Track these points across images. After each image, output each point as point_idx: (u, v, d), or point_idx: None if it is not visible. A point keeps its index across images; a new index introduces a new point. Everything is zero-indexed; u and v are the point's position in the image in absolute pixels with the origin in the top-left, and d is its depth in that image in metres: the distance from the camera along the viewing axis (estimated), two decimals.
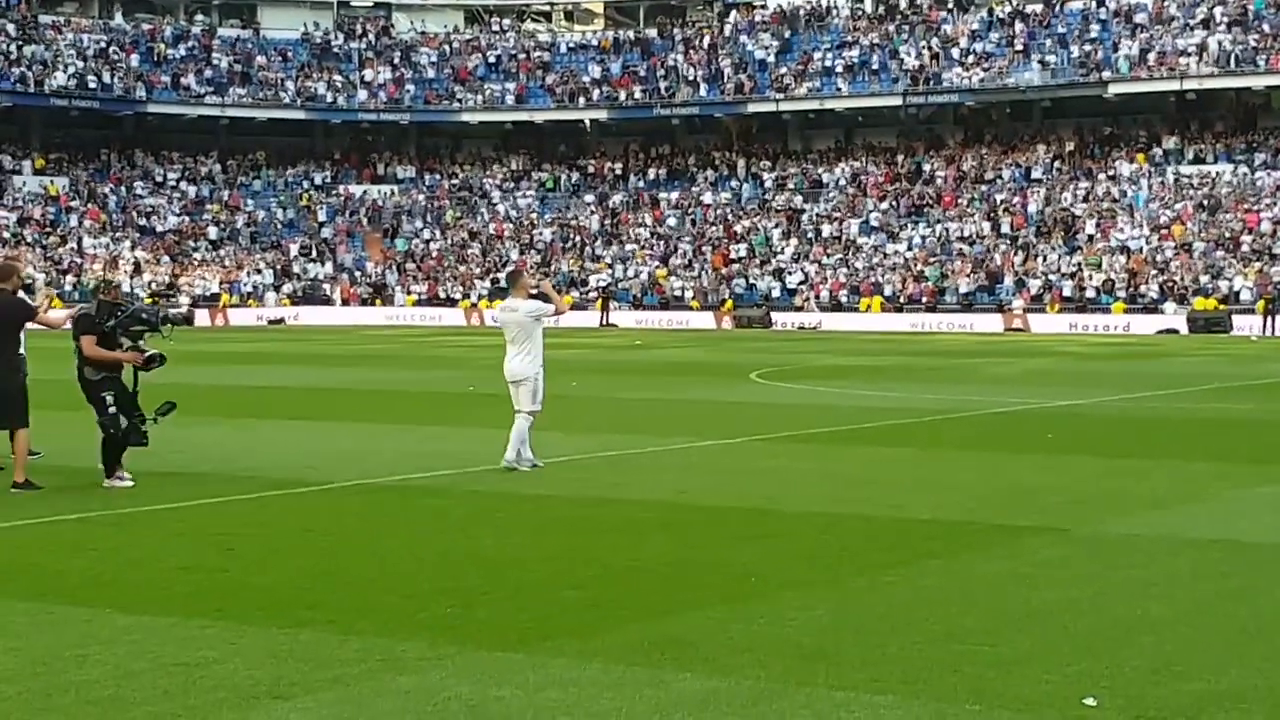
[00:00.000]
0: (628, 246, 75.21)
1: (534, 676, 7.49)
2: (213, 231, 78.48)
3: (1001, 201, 70.90)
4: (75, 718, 6.82)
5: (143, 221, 77.40)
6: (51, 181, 77.45)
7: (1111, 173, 71.03)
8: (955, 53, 75.64)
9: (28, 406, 14.31)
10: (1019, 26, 75.21)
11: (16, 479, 14.09)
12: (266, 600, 9.35)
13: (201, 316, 68.50)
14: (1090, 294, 63.29)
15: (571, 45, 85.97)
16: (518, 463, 15.62)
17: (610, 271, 72.71)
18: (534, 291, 16.59)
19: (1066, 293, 63.60)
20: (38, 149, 79.43)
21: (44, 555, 10.92)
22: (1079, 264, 64.99)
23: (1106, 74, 71.44)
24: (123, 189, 79.35)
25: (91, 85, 78.27)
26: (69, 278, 69.54)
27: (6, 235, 71.76)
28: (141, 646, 8.10)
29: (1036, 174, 72.43)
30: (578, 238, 77.01)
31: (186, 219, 78.98)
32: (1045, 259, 66.03)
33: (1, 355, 14.24)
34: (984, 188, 72.59)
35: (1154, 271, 63.11)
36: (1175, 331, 57.66)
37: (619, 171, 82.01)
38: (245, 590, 9.67)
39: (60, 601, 9.27)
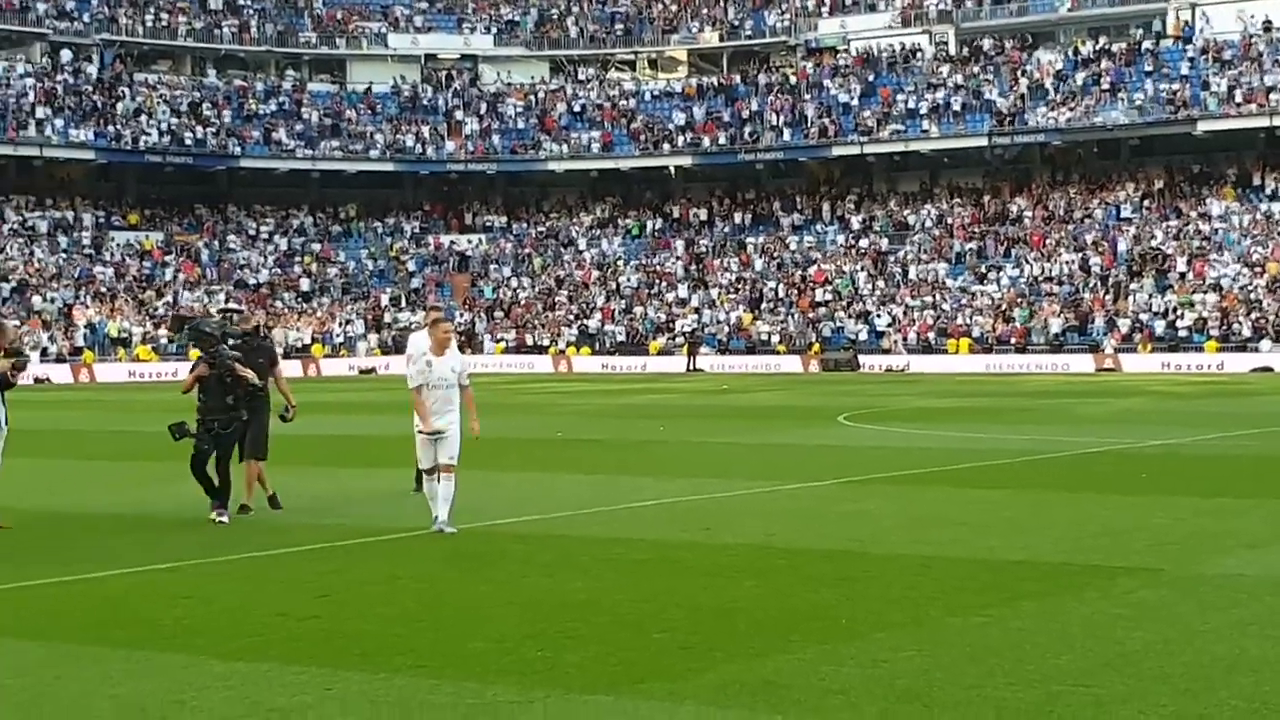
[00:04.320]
0: (713, 291, 75.27)
1: None
2: (305, 283, 79.37)
3: (1091, 241, 70.34)
4: None
5: (236, 274, 78.44)
6: (146, 236, 78.69)
7: (1202, 210, 70.29)
8: (1041, 92, 75.28)
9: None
10: (1105, 65, 74.73)
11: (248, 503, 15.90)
12: (360, 646, 9.42)
13: (294, 367, 69.24)
14: (1182, 333, 62.59)
15: (655, 93, 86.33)
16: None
17: (696, 317, 72.78)
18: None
19: (1158, 332, 62.93)
20: (133, 204, 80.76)
21: (139, 603, 11.05)
22: (1171, 303, 64.31)
23: (1195, 111, 70.81)
24: (216, 242, 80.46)
25: (185, 141, 79.52)
26: (162, 331, 70.47)
27: (103, 290, 72.90)
28: (238, 693, 8.19)
29: (1126, 212, 71.80)
30: (663, 283, 77.18)
31: (279, 271, 79.97)
32: (1136, 298, 65.39)
33: (258, 395, 15.85)
34: (1072, 227, 72.06)
35: (1246, 309, 62.31)
36: (1270, 370, 56.84)
37: (704, 217, 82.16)
38: (339, 637, 9.75)
39: (157, 649, 9.39)
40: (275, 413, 16.38)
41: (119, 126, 77.99)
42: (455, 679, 8.40)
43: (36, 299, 70.23)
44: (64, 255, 75.10)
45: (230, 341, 15.57)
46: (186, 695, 8.14)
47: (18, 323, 65.92)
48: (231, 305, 20.30)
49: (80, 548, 13.92)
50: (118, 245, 77.47)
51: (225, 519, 15.22)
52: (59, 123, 76.33)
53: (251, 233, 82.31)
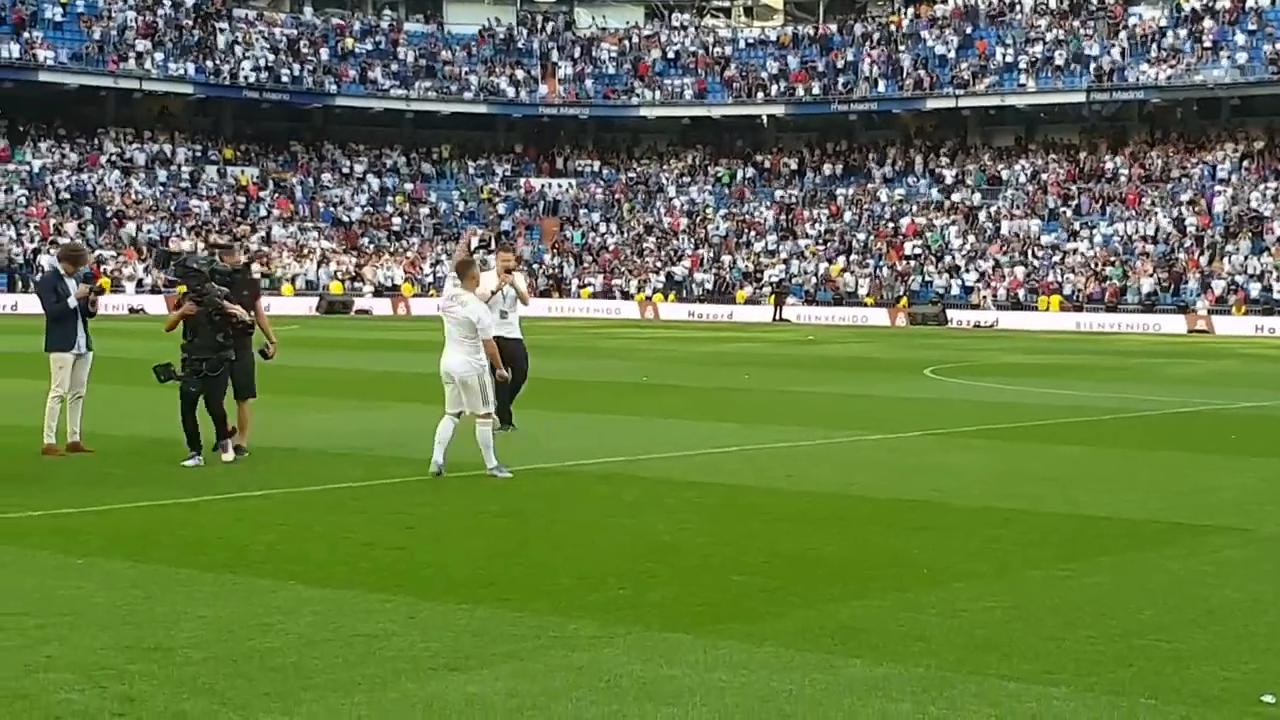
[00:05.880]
0: (802, 242, 74.96)
1: (704, 657, 7.56)
2: (396, 222, 79.84)
3: (1187, 200, 69.36)
4: (259, 683, 7.03)
5: (329, 212, 79.01)
6: (242, 171, 79.36)
7: None
8: (1141, 49, 74.16)
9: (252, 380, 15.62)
10: (1208, 23, 73.46)
11: (242, 444, 15.32)
12: (443, 577, 9.55)
13: (384, 306, 69.77)
14: (1277, 296, 61.68)
15: (750, 41, 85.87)
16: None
17: (784, 267, 72.53)
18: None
19: (1253, 294, 62.06)
20: (229, 139, 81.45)
21: (229, 529, 11.24)
22: (1266, 265, 63.34)
23: None
24: (310, 180, 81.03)
25: (282, 78, 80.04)
26: (257, 266, 71.14)
27: (198, 224, 73.64)
28: (323, 617, 8.33)
29: (1223, 173, 70.72)
30: (752, 232, 76.95)
31: (371, 209, 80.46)
32: (1231, 260, 64.48)
33: (247, 333, 15.33)
34: (1169, 186, 71.08)
35: None
36: None
37: (795, 167, 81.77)
38: (423, 567, 9.88)
39: (245, 573, 9.55)
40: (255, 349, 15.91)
41: (217, 61, 78.60)
42: (537, 612, 8.50)
43: (129, 229, 71.00)
44: (160, 188, 75.91)
45: (218, 278, 14.97)
46: (273, 619, 8.28)
47: (112, 252, 66.79)
48: (220, 241, 19.98)
49: (173, 474, 14.14)
50: (213, 180, 78.19)
51: (200, 462, 14.51)
52: (159, 56, 77.05)
53: (345, 171, 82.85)
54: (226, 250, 16.60)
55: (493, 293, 17.79)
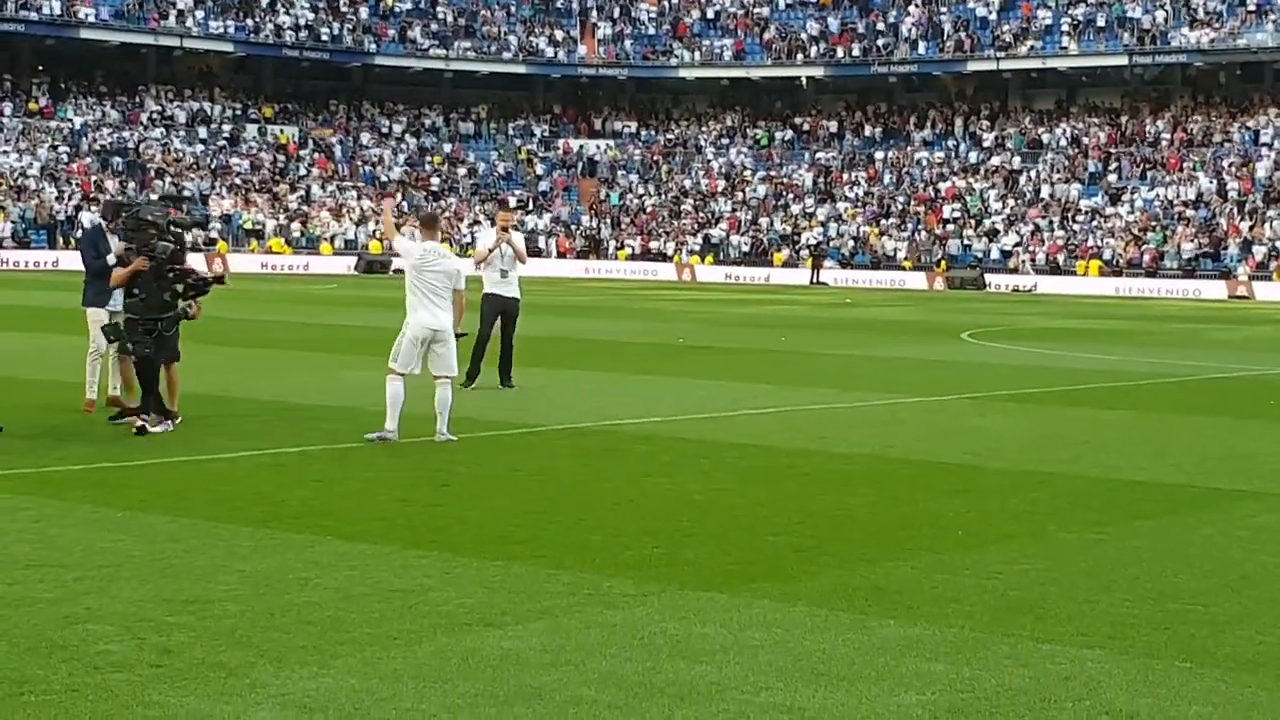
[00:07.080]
0: (840, 205, 74.69)
1: (737, 616, 7.58)
2: (434, 182, 79.89)
3: (1228, 165, 68.81)
4: (296, 636, 7.08)
5: (368, 171, 79.10)
6: (281, 130, 79.47)
7: None
8: (1185, 12, 73.51)
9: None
10: None
11: (173, 409, 14.16)
12: (479, 534, 9.59)
13: None
14: None
15: (790, 2, 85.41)
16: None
17: (822, 230, 72.32)
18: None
19: None
20: (269, 98, 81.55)
21: (268, 484, 11.32)
22: None
23: None
24: (350, 139, 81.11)
25: (322, 37, 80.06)
26: (295, 225, 71.38)
27: (238, 182, 73.85)
28: (360, 572, 8.39)
29: (1266, 138, 70.13)
30: (790, 195, 76.72)
31: (409, 169, 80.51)
32: (1272, 225, 63.99)
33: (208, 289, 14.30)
34: (1210, 151, 70.53)
35: None
36: None
37: (834, 129, 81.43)
38: (459, 524, 9.92)
39: (283, 528, 9.61)
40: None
41: (258, 19, 78.65)
42: (572, 569, 8.54)
43: (161, 185, 71.16)
44: (200, 146, 76.11)
45: (175, 230, 14.06)
46: (311, 573, 8.34)
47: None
48: (175, 193, 18.84)
49: (210, 430, 14.20)
50: (253, 138, 78.33)
51: (170, 427, 13.79)
52: (199, 14, 77.16)
53: (384, 130, 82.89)
54: (185, 201, 15.65)
55: (489, 250, 17.95)
